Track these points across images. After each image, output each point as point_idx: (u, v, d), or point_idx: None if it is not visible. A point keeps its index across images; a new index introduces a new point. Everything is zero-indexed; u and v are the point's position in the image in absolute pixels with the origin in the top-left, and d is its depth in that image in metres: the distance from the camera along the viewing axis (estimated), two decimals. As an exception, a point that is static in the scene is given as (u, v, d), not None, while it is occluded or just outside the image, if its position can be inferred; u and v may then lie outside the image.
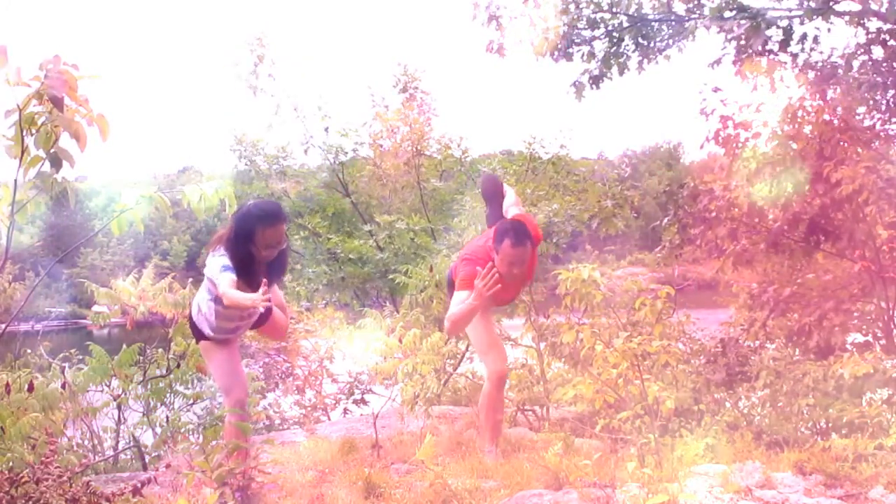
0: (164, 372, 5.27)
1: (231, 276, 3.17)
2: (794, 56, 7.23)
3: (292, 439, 5.17)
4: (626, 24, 7.97)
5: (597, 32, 8.07)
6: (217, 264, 3.24)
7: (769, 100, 5.60)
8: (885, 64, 6.79)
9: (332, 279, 10.89)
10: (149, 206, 2.42)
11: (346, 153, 12.17)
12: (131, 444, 5.13)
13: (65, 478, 2.88)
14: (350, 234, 11.62)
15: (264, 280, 3.08)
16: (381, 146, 12.57)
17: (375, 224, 11.10)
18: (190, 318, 3.67)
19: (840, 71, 7.12)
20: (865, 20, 6.92)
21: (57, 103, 2.22)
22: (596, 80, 8.13)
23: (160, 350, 5.45)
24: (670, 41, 7.99)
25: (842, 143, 5.17)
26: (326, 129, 12.08)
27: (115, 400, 5.08)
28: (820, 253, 5.67)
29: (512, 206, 4.34)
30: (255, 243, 3.27)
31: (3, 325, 3.43)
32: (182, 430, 5.05)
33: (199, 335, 3.61)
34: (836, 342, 5.05)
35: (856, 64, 7.19)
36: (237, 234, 3.28)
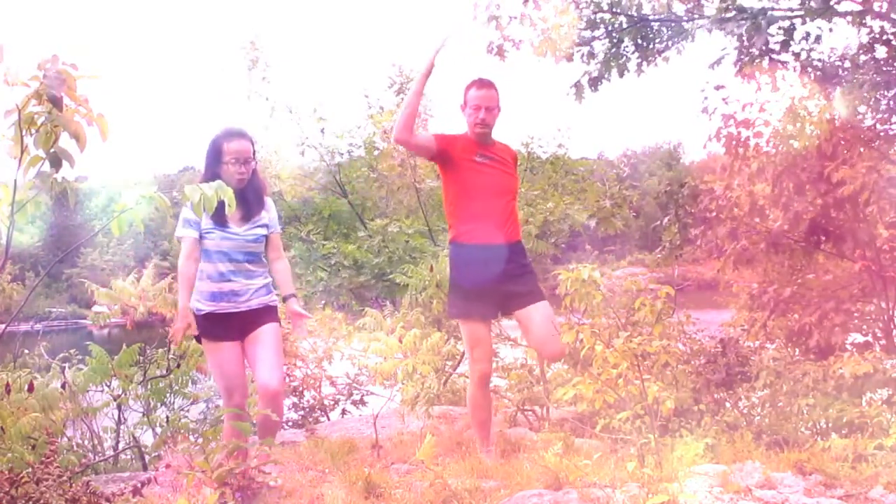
0: (164, 372, 5.27)
1: (190, 233, 3.42)
2: (797, 55, 7.22)
3: (292, 439, 5.17)
4: (625, 25, 7.96)
5: (597, 33, 8.06)
6: (182, 216, 3.46)
7: (771, 99, 5.60)
8: (886, 64, 6.77)
9: (329, 285, 10.86)
10: (149, 206, 2.42)
11: (343, 154, 12.16)
12: (131, 444, 5.13)
13: (65, 478, 2.88)
14: (347, 237, 11.59)
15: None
16: (377, 147, 12.56)
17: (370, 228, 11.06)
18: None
19: (841, 71, 7.11)
20: (867, 20, 6.90)
21: (56, 103, 2.22)
22: (595, 82, 8.11)
23: (160, 350, 5.45)
24: (669, 42, 7.98)
25: (843, 143, 5.17)
26: (322, 131, 12.06)
27: (115, 400, 5.08)
28: (820, 253, 5.66)
29: None
30: (224, 161, 3.47)
31: (3, 325, 3.42)
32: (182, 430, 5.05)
33: (197, 321, 3.60)
34: (836, 342, 5.04)
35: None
36: (208, 156, 3.53)
